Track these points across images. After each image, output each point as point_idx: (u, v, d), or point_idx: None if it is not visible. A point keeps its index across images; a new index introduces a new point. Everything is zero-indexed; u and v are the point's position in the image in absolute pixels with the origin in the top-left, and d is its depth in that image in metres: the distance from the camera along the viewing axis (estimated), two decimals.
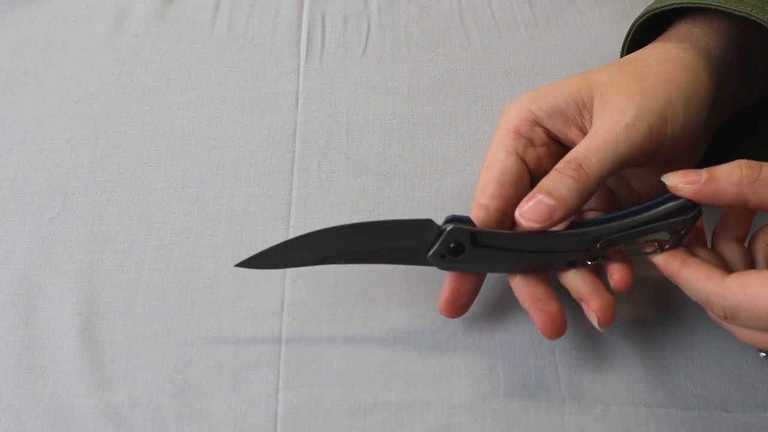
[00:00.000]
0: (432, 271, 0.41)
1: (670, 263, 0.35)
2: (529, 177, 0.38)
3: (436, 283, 0.42)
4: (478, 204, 0.37)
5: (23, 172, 0.46)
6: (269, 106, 0.49)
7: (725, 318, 0.33)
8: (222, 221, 0.44)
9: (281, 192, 0.45)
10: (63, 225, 0.44)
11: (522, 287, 0.37)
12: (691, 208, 0.35)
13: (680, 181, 0.34)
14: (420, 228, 0.36)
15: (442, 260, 0.36)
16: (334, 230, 0.37)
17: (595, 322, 0.36)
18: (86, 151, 0.47)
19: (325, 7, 0.54)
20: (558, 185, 0.35)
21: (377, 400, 0.38)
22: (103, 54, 0.51)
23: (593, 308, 0.36)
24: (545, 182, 0.35)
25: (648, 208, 0.36)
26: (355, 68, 0.50)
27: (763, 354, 0.38)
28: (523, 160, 0.38)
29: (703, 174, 0.34)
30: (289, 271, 0.42)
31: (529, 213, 0.35)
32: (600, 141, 0.35)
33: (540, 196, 0.35)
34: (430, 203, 0.45)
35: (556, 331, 0.36)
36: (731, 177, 0.33)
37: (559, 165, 0.36)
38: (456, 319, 0.41)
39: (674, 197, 0.35)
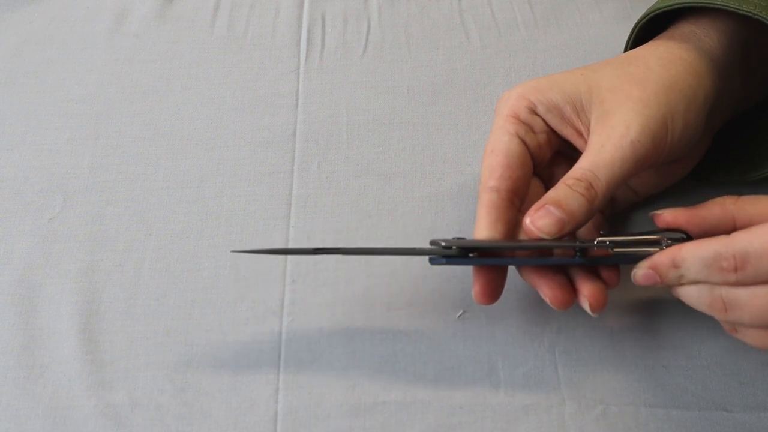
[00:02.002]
0: (432, 271, 0.41)
1: (669, 250, 0.35)
2: (531, 161, 0.39)
3: (437, 283, 0.42)
4: (487, 188, 0.37)
5: (23, 172, 0.46)
6: (269, 106, 0.49)
7: (735, 270, 0.32)
8: (222, 221, 0.44)
9: (281, 192, 0.45)
10: (63, 225, 0.44)
11: (529, 266, 0.37)
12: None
13: (668, 213, 0.36)
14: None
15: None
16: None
17: (587, 307, 0.36)
18: (86, 151, 0.47)
19: (325, 7, 0.54)
20: (569, 200, 0.35)
21: (377, 400, 0.38)
22: (103, 54, 0.51)
23: (585, 293, 0.36)
24: (555, 194, 0.35)
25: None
26: (355, 68, 0.50)
27: None
28: (525, 143, 0.38)
29: (689, 208, 0.36)
30: (289, 270, 0.42)
31: (540, 223, 0.35)
32: (607, 158, 0.35)
33: (551, 207, 0.35)
34: (430, 203, 0.45)
35: (565, 300, 0.36)
36: (715, 200, 0.36)
37: (569, 181, 0.36)
38: (456, 320, 0.41)
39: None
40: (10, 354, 0.40)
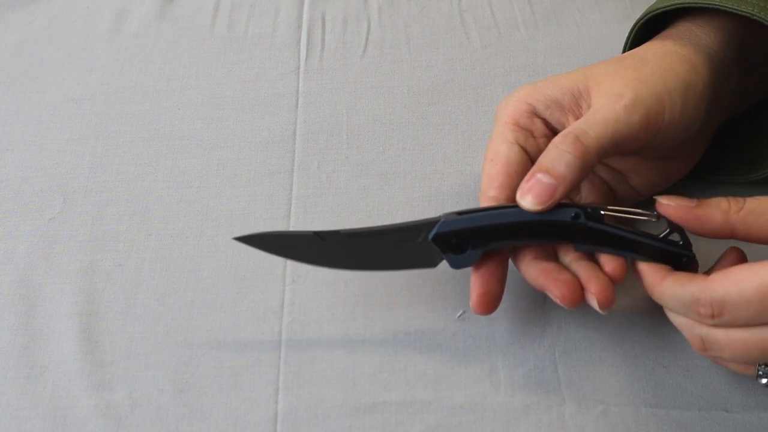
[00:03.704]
0: (432, 271, 0.41)
1: (654, 273, 0.35)
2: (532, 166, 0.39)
3: (437, 283, 0.42)
4: (487, 197, 0.37)
5: (23, 172, 0.46)
6: (269, 106, 0.49)
7: (713, 316, 0.32)
8: (222, 221, 0.44)
9: (281, 192, 0.45)
10: (63, 225, 0.44)
11: (532, 267, 0.37)
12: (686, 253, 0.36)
13: (672, 202, 0.36)
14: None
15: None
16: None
17: (595, 304, 0.36)
18: (86, 151, 0.47)
19: (325, 7, 0.54)
20: (556, 162, 0.35)
21: (377, 400, 0.38)
22: (103, 54, 0.51)
23: (592, 290, 0.36)
24: (543, 160, 0.35)
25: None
26: (355, 68, 0.50)
27: (764, 379, 0.36)
28: (525, 150, 0.38)
29: (694, 200, 0.35)
30: (289, 270, 0.42)
31: (530, 195, 0.35)
32: (599, 118, 0.35)
33: (539, 176, 0.35)
34: (430, 203, 0.45)
35: (575, 298, 0.36)
36: (719, 205, 0.35)
37: (557, 138, 0.36)
38: (456, 320, 0.41)
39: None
40: (10, 354, 0.40)
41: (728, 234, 0.35)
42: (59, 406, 0.38)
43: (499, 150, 0.38)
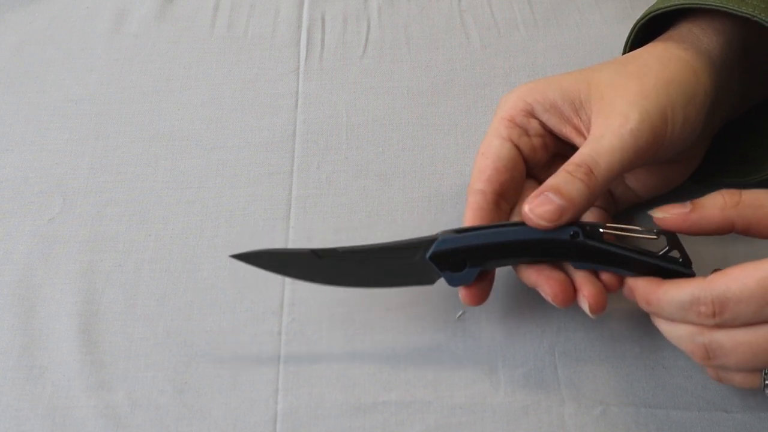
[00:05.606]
0: None
1: (648, 283, 0.35)
2: (524, 164, 0.39)
3: (436, 283, 0.42)
4: (474, 189, 0.38)
5: (23, 172, 0.46)
6: (269, 106, 0.49)
7: (714, 315, 0.32)
8: (222, 221, 0.44)
9: (281, 193, 0.45)
10: (63, 225, 0.44)
11: (528, 268, 0.37)
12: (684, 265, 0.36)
13: (667, 213, 0.35)
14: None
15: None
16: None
17: (586, 308, 0.36)
18: (86, 151, 0.47)
19: (325, 7, 0.54)
20: (569, 186, 0.35)
21: (377, 400, 0.38)
22: (103, 54, 0.51)
23: (585, 293, 0.36)
24: (555, 180, 0.35)
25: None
26: (355, 68, 0.50)
27: None
28: (517, 147, 0.38)
29: (688, 204, 0.35)
30: None
31: (539, 210, 0.35)
32: (608, 146, 0.35)
33: (550, 194, 0.35)
34: (430, 203, 0.45)
35: (566, 298, 0.36)
36: (715, 203, 0.34)
37: (569, 167, 0.35)
38: (456, 320, 0.41)
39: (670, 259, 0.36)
40: (10, 354, 0.40)
41: (729, 229, 0.34)
42: (59, 407, 0.38)
43: (491, 145, 0.38)
